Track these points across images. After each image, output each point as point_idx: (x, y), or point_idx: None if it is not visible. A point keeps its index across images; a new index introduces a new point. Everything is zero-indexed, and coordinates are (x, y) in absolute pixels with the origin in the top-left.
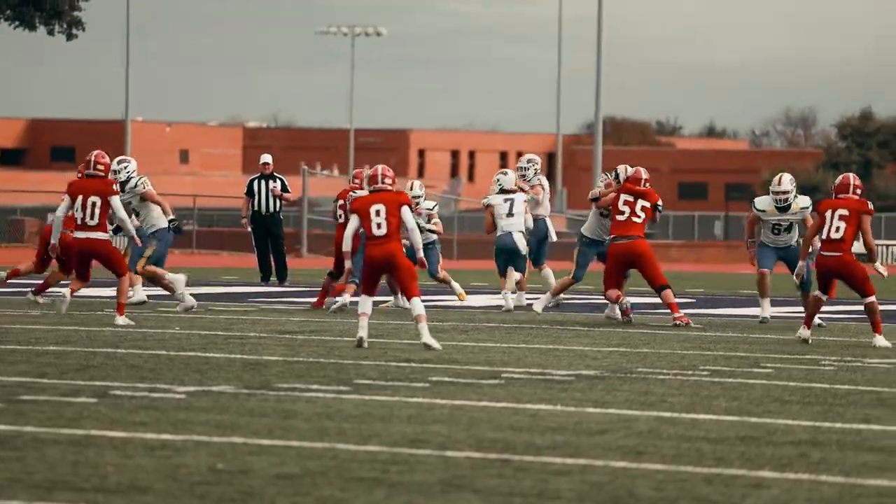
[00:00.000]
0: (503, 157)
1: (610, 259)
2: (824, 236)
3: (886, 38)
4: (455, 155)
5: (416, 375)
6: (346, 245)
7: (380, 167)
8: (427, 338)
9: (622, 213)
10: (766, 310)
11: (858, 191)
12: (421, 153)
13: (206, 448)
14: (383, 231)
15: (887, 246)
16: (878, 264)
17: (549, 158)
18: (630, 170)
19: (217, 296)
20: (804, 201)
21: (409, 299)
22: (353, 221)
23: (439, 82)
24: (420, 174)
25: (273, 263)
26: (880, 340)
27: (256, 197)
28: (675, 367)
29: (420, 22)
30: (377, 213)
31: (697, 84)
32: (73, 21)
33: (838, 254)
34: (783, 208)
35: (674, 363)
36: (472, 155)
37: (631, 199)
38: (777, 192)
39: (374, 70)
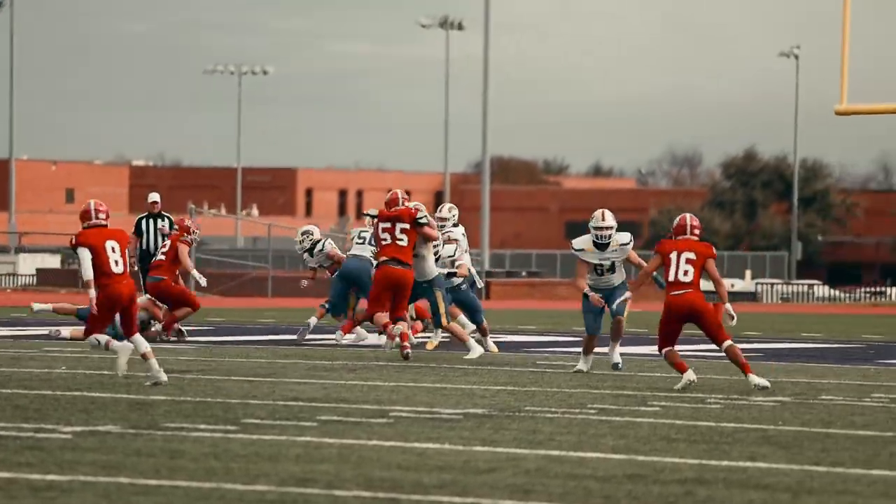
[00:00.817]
0: None
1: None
2: (671, 279)
3: (769, 78)
4: (343, 194)
5: (304, 414)
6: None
7: (92, 202)
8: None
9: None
10: (587, 363)
11: (697, 231)
12: (308, 192)
13: (93, 489)
14: (120, 269)
15: (771, 284)
16: (728, 306)
17: (437, 197)
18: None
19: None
20: (624, 237)
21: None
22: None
23: (327, 122)
24: (308, 213)
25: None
26: (755, 379)
27: (145, 236)
28: (562, 406)
29: (307, 61)
30: (112, 249)
31: (583, 123)
32: None
33: (690, 297)
34: (602, 245)
35: (562, 401)
36: (359, 194)
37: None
38: (599, 228)
39: (262, 109)
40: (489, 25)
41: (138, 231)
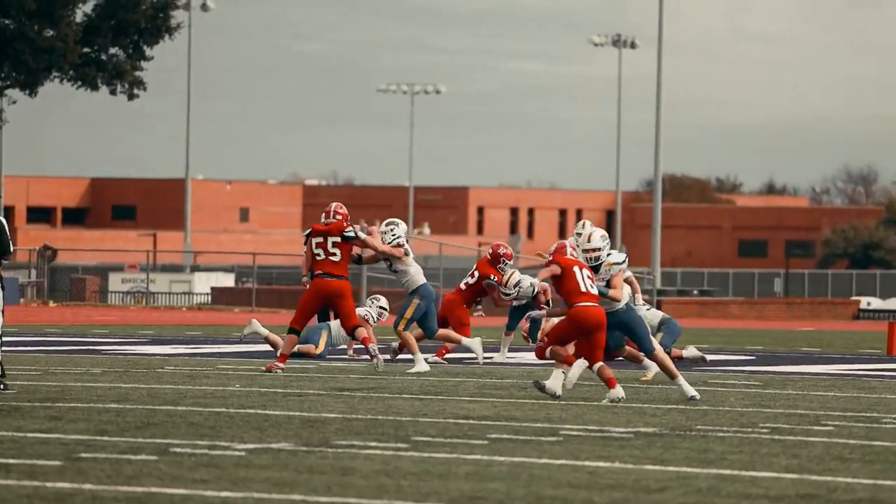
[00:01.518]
0: (562, 214)
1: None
2: (584, 290)
3: None
4: (514, 212)
5: (474, 432)
6: None
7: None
8: None
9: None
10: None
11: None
12: (480, 210)
13: None
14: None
15: None
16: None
17: (609, 216)
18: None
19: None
20: (618, 257)
21: None
22: None
23: (498, 140)
24: (479, 231)
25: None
26: (613, 394)
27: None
28: (734, 425)
29: (479, 80)
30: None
31: (757, 142)
32: (135, 81)
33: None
34: (593, 268)
35: (733, 420)
36: (531, 212)
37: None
38: (587, 251)
39: (434, 128)
40: (662, 44)
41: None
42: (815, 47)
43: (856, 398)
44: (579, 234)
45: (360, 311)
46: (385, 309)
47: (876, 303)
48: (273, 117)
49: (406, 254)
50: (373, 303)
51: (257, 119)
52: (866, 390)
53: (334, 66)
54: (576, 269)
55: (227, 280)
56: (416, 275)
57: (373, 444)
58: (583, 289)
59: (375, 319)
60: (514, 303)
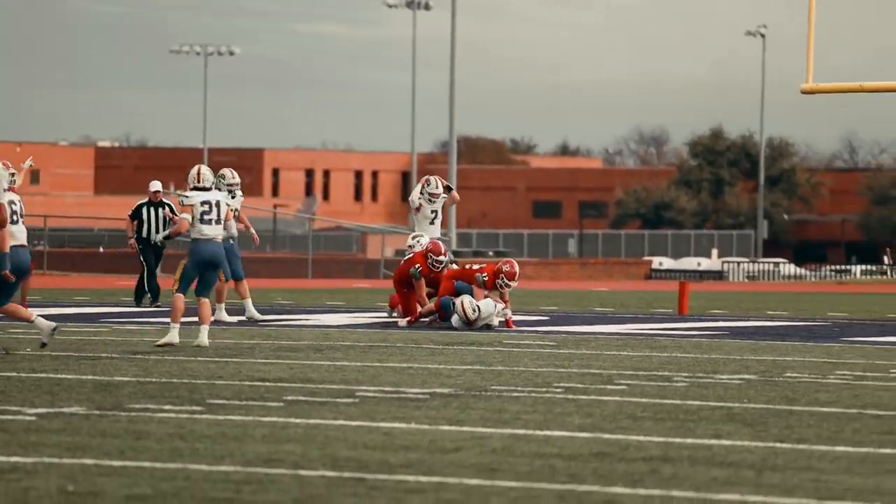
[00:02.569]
0: (358, 175)
1: None
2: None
3: (736, 57)
4: (309, 174)
5: (270, 395)
6: None
7: None
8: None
9: None
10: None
11: None
12: (275, 172)
13: (57, 470)
14: None
15: (738, 263)
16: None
17: (404, 177)
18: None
19: (68, 316)
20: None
21: None
22: None
23: (293, 102)
24: (274, 193)
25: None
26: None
27: (146, 223)
28: (529, 385)
29: (273, 42)
30: None
31: (550, 103)
32: None
33: None
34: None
35: (528, 380)
36: (326, 174)
37: None
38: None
39: (228, 90)
40: (456, 4)
41: (138, 217)
42: (607, 9)
43: (648, 357)
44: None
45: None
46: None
47: (668, 262)
48: (64, 79)
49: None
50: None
51: (48, 79)
52: (658, 349)
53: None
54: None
55: None
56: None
57: (167, 407)
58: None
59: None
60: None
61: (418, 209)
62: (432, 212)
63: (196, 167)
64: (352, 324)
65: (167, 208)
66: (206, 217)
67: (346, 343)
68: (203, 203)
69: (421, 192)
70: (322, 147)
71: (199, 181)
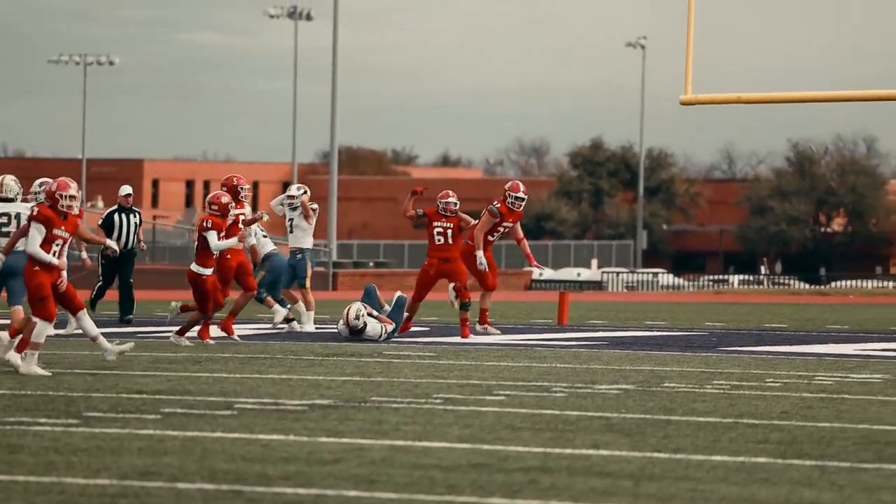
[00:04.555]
0: None
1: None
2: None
3: (616, 68)
4: (190, 185)
5: (147, 407)
6: None
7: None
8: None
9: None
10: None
11: None
12: (155, 183)
13: None
14: None
15: (617, 273)
16: None
17: (286, 188)
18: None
19: None
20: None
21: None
22: None
23: (174, 112)
24: (154, 204)
25: (120, 297)
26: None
27: (118, 231)
28: (408, 396)
29: (154, 52)
30: None
31: (432, 114)
32: None
33: None
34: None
35: (408, 391)
36: (206, 185)
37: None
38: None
39: (107, 100)
40: (338, 15)
41: (109, 224)
42: (487, 19)
43: (527, 368)
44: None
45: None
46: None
47: (548, 273)
48: None
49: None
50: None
51: None
52: (537, 360)
53: (3, 36)
54: None
55: None
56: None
57: (42, 420)
58: None
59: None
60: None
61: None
62: (289, 219)
63: (0, 177)
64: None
65: (138, 216)
66: (3, 229)
67: (224, 355)
68: (2, 215)
69: (282, 203)
70: (202, 158)
71: (1, 191)
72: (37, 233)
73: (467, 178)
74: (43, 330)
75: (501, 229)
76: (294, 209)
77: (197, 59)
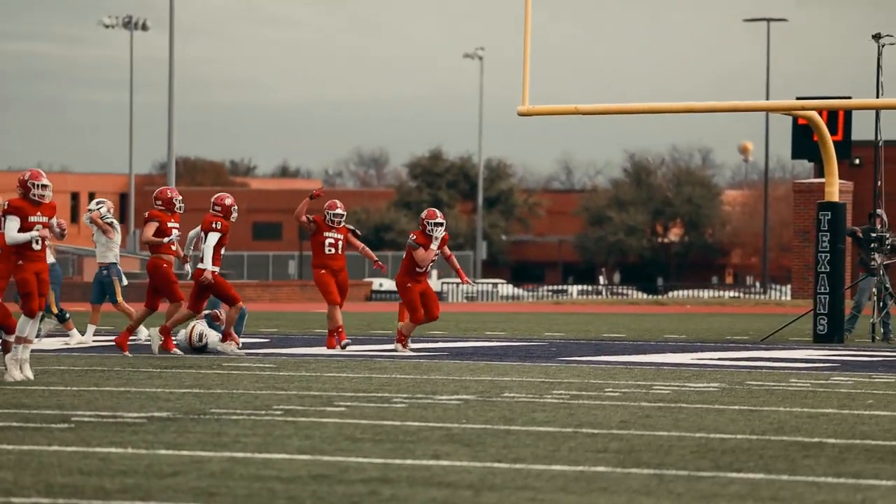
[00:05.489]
0: (74, 197)
1: None
2: None
3: (455, 79)
4: None
5: None
6: None
7: None
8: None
9: None
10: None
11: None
12: None
13: None
14: None
15: (457, 284)
16: None
17: (122, 199)
18: None
19: None
20: None
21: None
22: None
23: (7, 124)
24: None
25: None
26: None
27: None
28: (248, 408)
29: None
30: None
31: (270, 125)
32: None
33: None
34: None
35: (247, 403)
36: None
37: None
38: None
39: None
40: (174, 26)
41: None
42: (325, 30)
43: (367, 378)
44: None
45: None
46: None
47: (388, 284)
48: None
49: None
50: None
51: None
52: (377, 370)
53: None
54: None
55: None
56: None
57: None
58: None
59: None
60: None
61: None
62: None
63: None
64: (68, 348)
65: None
66: None
67: (61, 367)
68: None
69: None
70: (37, 168)
71: None
72: (11, 223)
73: (307, 188)
74: (24, 325)
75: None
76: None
77: (30, 69)
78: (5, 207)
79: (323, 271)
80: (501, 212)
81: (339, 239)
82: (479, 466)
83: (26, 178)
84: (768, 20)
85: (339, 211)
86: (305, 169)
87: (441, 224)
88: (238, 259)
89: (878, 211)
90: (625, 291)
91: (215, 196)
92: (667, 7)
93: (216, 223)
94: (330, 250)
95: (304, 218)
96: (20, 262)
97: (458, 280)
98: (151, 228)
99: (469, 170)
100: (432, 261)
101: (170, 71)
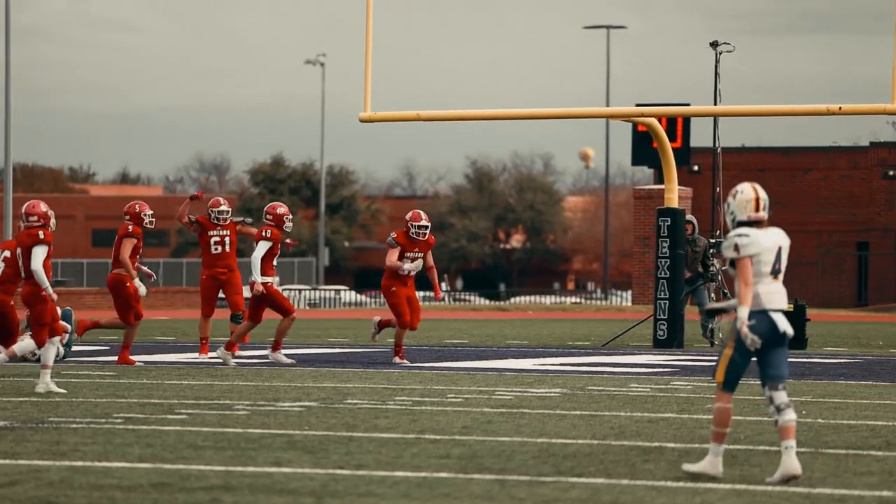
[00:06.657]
0: None
1: None
2: None
3: (296, 85)
4: None
5: None
6: None
7: None
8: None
9: None
10: None
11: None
12: None
13: None
14: None
15: (299, 290)
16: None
17: None
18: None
19: None
20: None
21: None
22: None
23: None
24: None
25: None
26: None
27: None
28: (88, 416)
29: None
30: None
31: (110, 131)
32: None
33: None
34: None
35: (87, 411)
36: None
37: None
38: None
39: None
40: (10, 29)
41: None
42: (165, 35)
43: (209, 386)
44: None
45: None
46: None
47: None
48: None
49: None
50: None
51: None
52: (219, 378)
53: None
54: None
55: None
56: None
57: None
58: None
59: None
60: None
61: None
62: None
63: None
64: None
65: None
66: None
67: None
68: None
69: None
70: None
71: None
72: (42, 253)
73: (147, 195)
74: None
75: (411, 256)
76: None
77: None
78: (42, 238)
79: (205, 277)
80: (344, 218)
81: (225, 236)
82: (322, 473)
83: (47, 210)
84: (608, 27)
85: (223, 208)
86: (146, 175)
87: (426, 227)
88: (78, 266)
89: (689, 217)
90: (467, 297)
91: (268, 205)
92: (509, 14)
93: (266, 231)
94: (216, 249)
95: (186, 219)
96: (42, 293)
97: (300, 286)
98: (130, 245)
99: (311, 176)
100: (409, 274)
101: (6, 75)
